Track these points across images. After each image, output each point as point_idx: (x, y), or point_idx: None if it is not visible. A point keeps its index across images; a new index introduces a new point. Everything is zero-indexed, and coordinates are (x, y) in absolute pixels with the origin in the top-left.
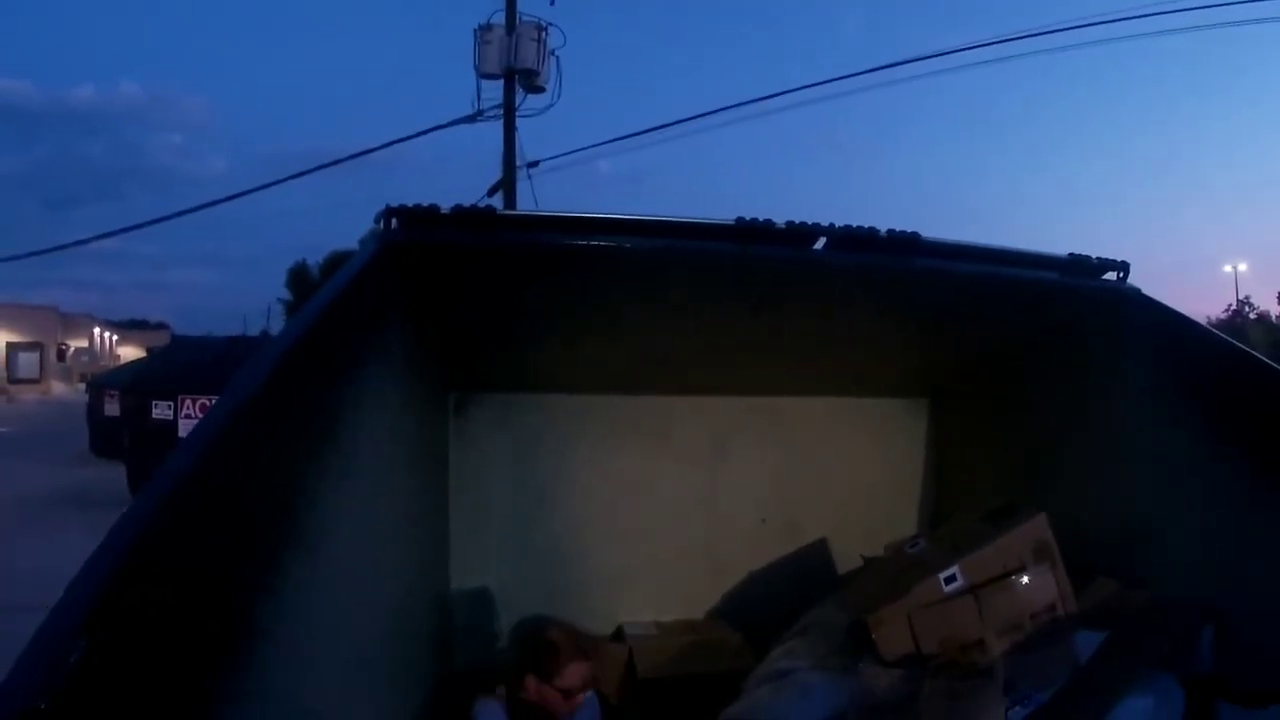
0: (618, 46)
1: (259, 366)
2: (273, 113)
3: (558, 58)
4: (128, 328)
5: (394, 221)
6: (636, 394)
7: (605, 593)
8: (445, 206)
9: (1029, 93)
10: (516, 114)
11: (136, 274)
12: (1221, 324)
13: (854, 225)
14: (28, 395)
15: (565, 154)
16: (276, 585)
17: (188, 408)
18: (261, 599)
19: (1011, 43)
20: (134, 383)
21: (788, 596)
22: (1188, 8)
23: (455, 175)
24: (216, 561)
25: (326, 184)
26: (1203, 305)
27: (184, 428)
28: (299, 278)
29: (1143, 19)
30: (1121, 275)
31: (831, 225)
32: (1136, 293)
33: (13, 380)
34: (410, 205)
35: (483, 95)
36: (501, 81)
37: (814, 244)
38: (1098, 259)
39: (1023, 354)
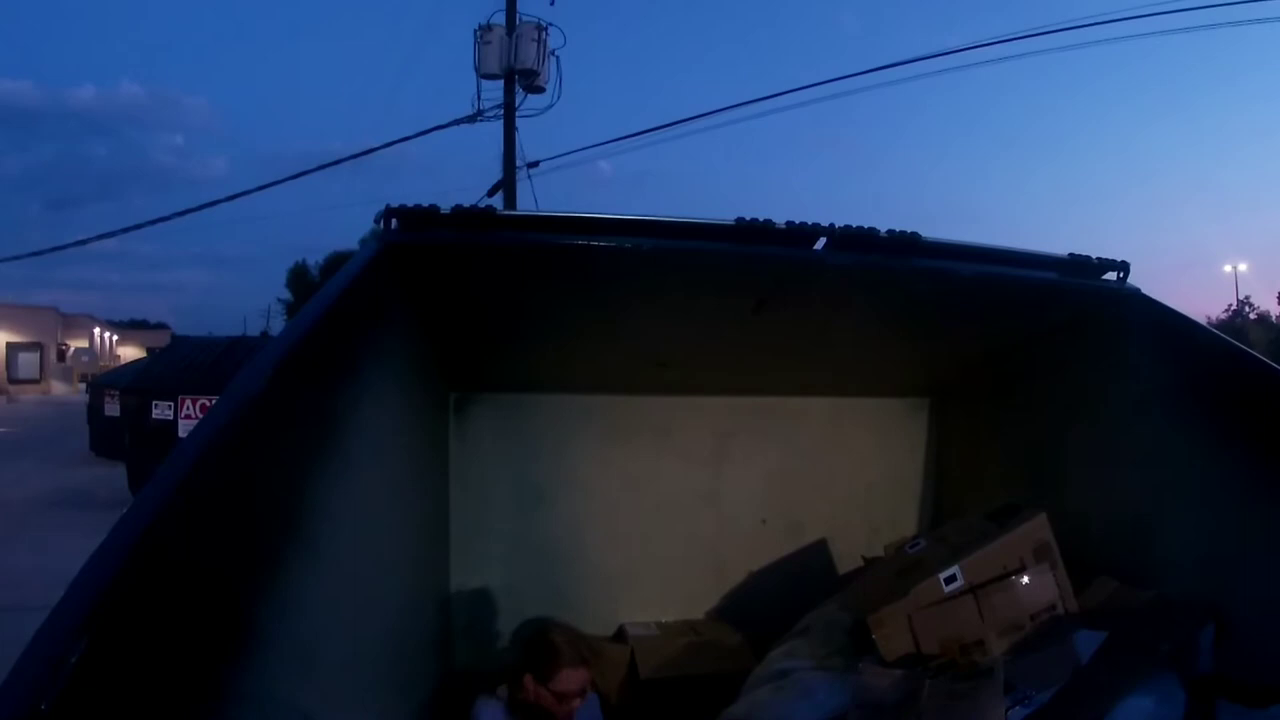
0: (618, 47)
1: (259, 367)
2: (273, 113)
3: (558, 58)
4: (128, 328)
5: (394, 222)
6: (637, 394)
7: (606, 593)
8: (445, 207)
9: (1029, 93)
10: (516, 114)
11: (137, 274)
12: (1222, 324)
13: (854, 225)
14: (28, 395)
15: (565, 154)
16: (277, 585)
17: (188, 408)
18: (262, 599)
19: (1012, 43)
20: (134, 383)
21: (789, 596)
22: (1189, 7)
23: (455, 176)
24: (217, 562)
25: (326, 184)
26: (1203, 305)
27: (184, 428)
28: (299, 278)
29: (1143, 19)
30: (1122, 275)
31: (831, 225)
32: (1137, 293)
33: (13, 380)
34: (410, 206)
35: (483, 95)
36: (502, 82)
37: (814, 244)
38: (1098, 259)
39: (1023, 354)
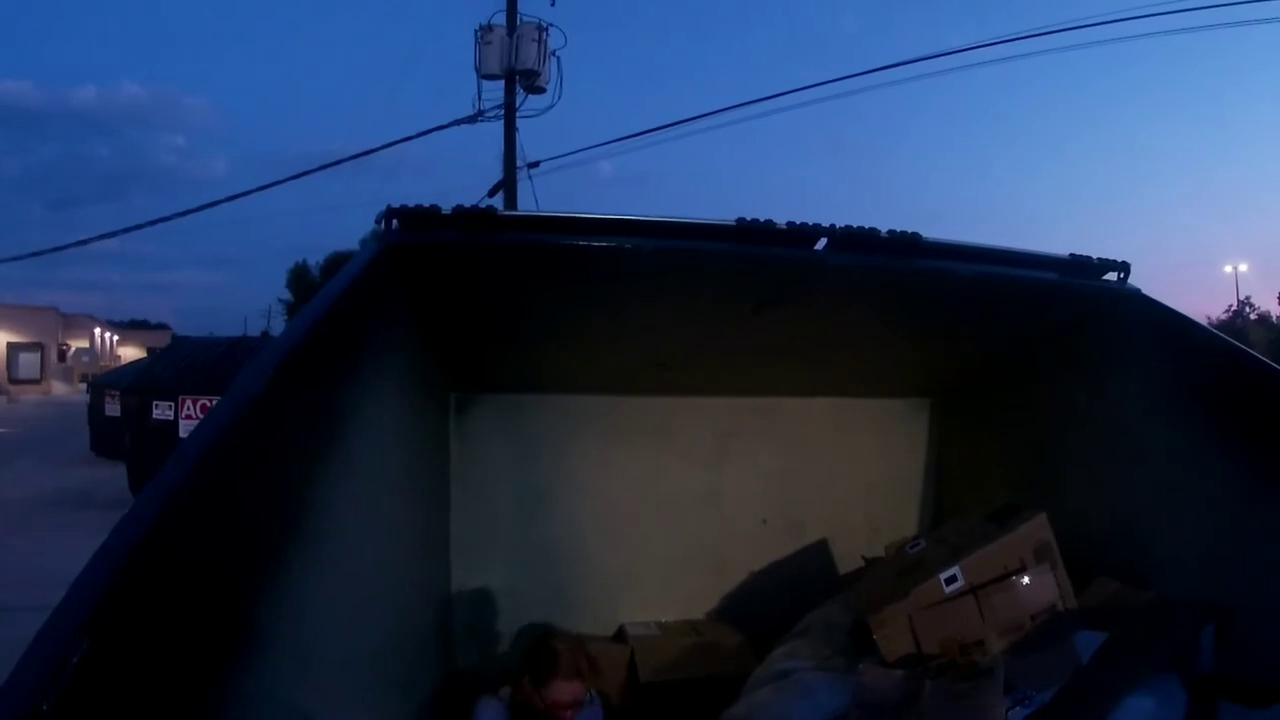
0: (619, 47)
1: (260, 367)
2: (274, 114)
3: (558, 58)
4: (129, 328)
5: (395, 222)
6: (638, 394)
7: (607, 593)
8: (446, 207)
9: (1030, 93)
10: (517, 114)
11: (137, 274)
12: (1222, 324)
13: (855, 226)
14: (29, 395)
15: (566, 154)
16: (278, 586)
17: (188, 408)
18: (263, 599)
19: (1013, 43)
20: (135, 383)
21: (789, 597)
22: (1190, 7)
23: (456, 176)
24: (218, 562)
25: (327, 185)
26: (1203, 305)
27: (184, 428)
28: (299, 278)
29: (1144, 19)
30: (1122, 275)
31: (832, 226)
32: (1137, 293)
33: (13, 380)
34: (411, 206)
35: (483, 96)
36: (502, 82)
37: (815, 244)
38: (1099, 259)
39: (1024, 354)
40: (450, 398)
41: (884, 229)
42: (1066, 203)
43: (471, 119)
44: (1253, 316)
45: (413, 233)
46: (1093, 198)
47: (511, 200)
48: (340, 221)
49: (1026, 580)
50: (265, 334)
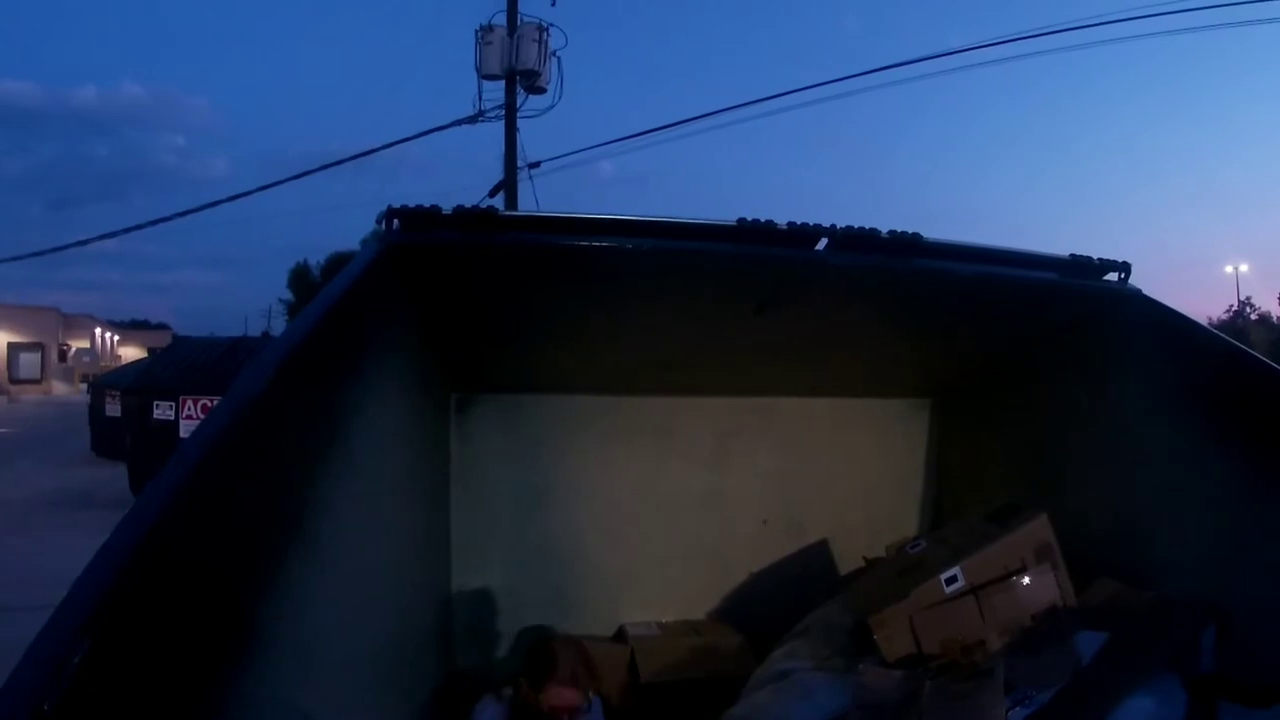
0: (620, 47)
1: (261, 368)
2: (275, 114)
3: (559, 58)
4: (129, 328)
5: (395, 222)
6: (638, 395)
7: (607, 593)
8: (447, 207)
9: (1031, 93)
10: (518, 115)
11: (138, 275)
12: (1223, 325)
13: (855, 226)
14: (29, 395)
15: (567, 155)
16: (279, 585)
17: (189, 408)
18: (264, 599)
19: (1014, 43)
20: (136, 383)
21: (789, 597)
22: (1192, 7)
23: (456, 176)
24: (219, 562)
25: (328, 185)
26: (1204, 306)
27: (185, 428)
28: (300, 278)
29: (1146, 19)
30: (1123, 276)
31: (833, 226)
32: (1138, 293)
33: (14, 380)
34: (412, 206)
35: (484, 96)
36: (503, 82)
37: (816, 245)
38: (1099, 260)
39: (1024, 355)
40: (451, 398)
41: (885, 229)
42: (1068, 203)
43: (472, 119)
44: (1253, 317)
45: (413, 233)
46: (1094, 198)
47: (512, 200)
48: (341, 222)
49: (1027, 581)
50: (266, 334)
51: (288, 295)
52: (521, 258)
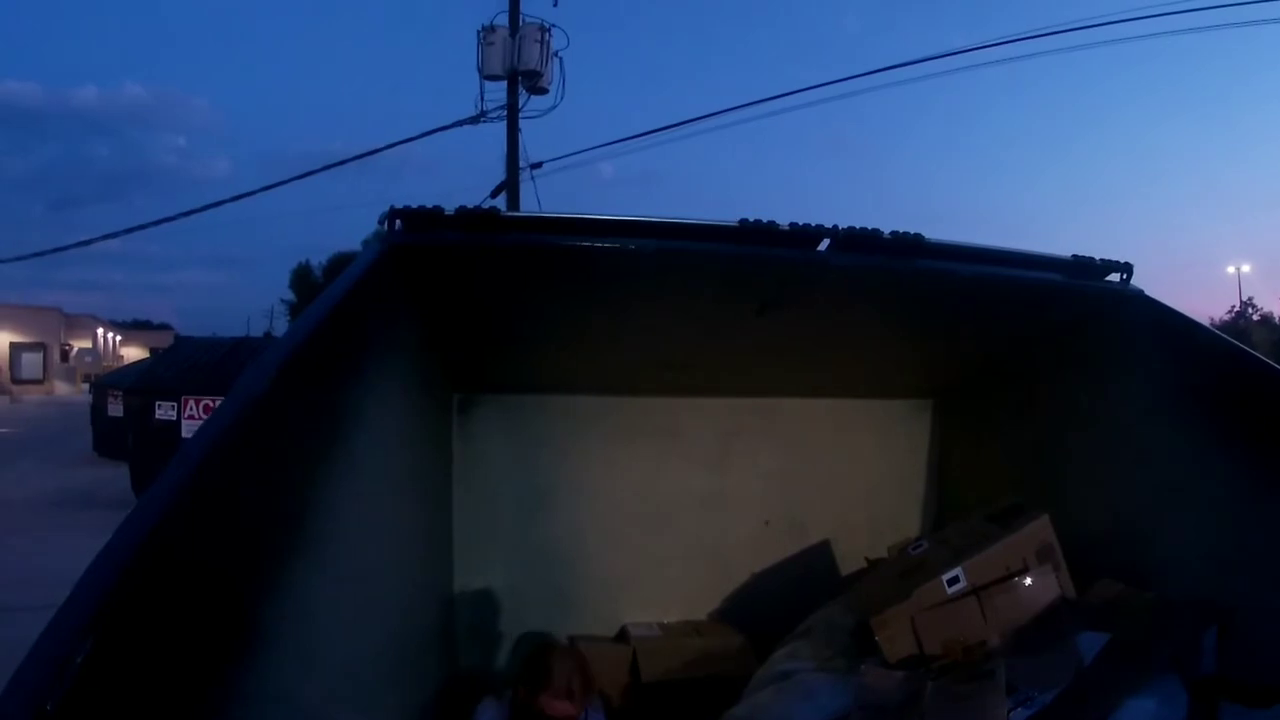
0: (622, 48)
1: (263, 368)
2: (276, 114)
3: (561, 59)
4: (131, 328)
5: (398, 223)
6: (640, 395)
7: (609, 593)
8: (449, 208)
9: (1034, 93)
10: (520, 115)
11: (140, 275)
12: (1224, 325)
13: (857, 227)
14: (31, 395)
15: (569, 155)
16: (281, 586)
17: (191, 408)
18: (266, 600)
19: (1018, 43)
20: (138, 383)
21: (791, 597)
22: (1197, 7)
23: (458, 176)
24: (221, 562)
25: (330, 185)
26: (1206, 306)
27: (187, 428)
28: (302, 279)
29: (1150, 19)
30: (1125, 277)
31: (835, 227)
32: (1140, 294)
33: (16, 381)
34: (414, 207)
35: (486, 97)
36: (505, 83)
37: (818, 245)
38: (1101, 260)
39: (1026, 355)
40: (453, 398)
41: (887, 230)
42: (1070, 203)
43: (474, 120)
44: (1255, 317)
45: (416, 233)
46: (1097, 198)
47: (514, 201)
48: (343, 222)
49: (1029, 581)
50: (268, 334)
51: (290, 296)
52: (524, 258)
